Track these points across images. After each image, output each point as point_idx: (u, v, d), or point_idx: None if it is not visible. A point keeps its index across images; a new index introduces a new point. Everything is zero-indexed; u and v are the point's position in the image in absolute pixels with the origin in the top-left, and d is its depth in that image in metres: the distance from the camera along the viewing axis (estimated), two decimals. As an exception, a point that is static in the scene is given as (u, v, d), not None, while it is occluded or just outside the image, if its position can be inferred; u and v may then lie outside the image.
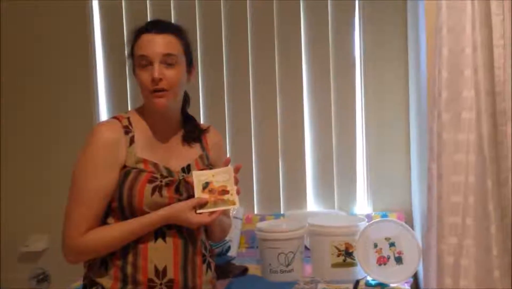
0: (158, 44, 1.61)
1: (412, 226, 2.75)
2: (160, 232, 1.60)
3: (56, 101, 3.23)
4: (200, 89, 3.08)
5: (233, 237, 2.85)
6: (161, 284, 1.59)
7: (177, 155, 1.70)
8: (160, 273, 1.59)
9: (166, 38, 1.63)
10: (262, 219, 2.94)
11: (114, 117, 1.69)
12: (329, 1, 2.96)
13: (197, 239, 1.66)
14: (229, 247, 2.78)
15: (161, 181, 1.61)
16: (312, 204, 3.04)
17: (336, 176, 3.00)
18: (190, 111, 1.83)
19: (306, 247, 2.56)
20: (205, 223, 1.61)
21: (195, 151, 1.75)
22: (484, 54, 1.96)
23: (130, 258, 1.59)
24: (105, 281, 1.60)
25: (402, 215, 2.85)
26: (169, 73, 1.61)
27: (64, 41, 3.19)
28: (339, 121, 2.99)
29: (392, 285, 2.34)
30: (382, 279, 2.35)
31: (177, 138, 1.74)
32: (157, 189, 1.59)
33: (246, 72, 3.06)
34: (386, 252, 2.39)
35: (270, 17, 3.02)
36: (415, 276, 2.52)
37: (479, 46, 1.96)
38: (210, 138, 1.81)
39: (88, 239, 1.57)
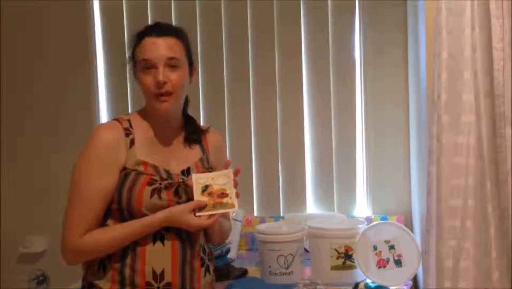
0: (162, 47, 1.62)
1: (411, 229, 2.75)
2: (158, 235, 1.61)
3: (56, 102, 3.23)
4: (200, 91, 3.08)
5: (233, 239, 2.85)
6: (158, 287, 1.59)
7: (178, 158, 1.71)
8: (158, 276, 1.59)
9: (169, 41, 1.63)
10: (262, 221, 2.94)
11: (115, 119, 1.69)
12: (329, 2, 2.97)
13: (195, 242, 1.66)
14: (228, 249, 2.78)
15: (160, 184, 1.61)
16: (311, 206, 3.04)
17: (336, 178, 3.00)
18: (190, 112, 1.84)
19: (305, 250, 2.56)
20: (204, 226, 1.61)
21: (195, 153, 1.75)
22: (483, 56, 1.96)
23: (128, 260, 1.59)
24: (103, 283, 1.60)
25: (402, 218, 2.85)
26: (173, 76, 1.61)
27: (65, 42, 3.20)
28: (339, 124, 2.99)
29: (391, 287, 2.34)
30: (381, 282, 2.35)
31: (178, 141, 1.74)
32: (156, 191, 1.59)
33: (246, 74, 3.06)
34: (386, 254, 2.39)
35: (270, 18, 3.02)
36: (415, 279, 2.52)
37: (478, 48, 1.96)
38: (210, 140, 1.82)
39: (87, 240, 1.57)
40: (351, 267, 2.42)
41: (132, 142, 1.63)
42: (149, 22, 3.05)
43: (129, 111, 2.99)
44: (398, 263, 2.37)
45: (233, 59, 3.08)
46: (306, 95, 3.03)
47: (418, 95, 2.54)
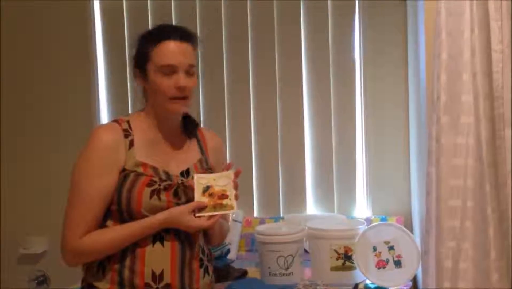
0: (183, 54, 1.63)
1: (411, 230, 2.75)
2: (158, 236, 1.61)
3: (57, 103, 3.24)
4: (200, 91, 3.09)
5: (233, 240, 2.86)
6: (157, 288, 1.59)
7: (177, 159, 1.71)
8: (157, 277, 1.59)
9: (188, 48, 1.65)
10: (262, 222, 2.94)
11: (114, 121, 1.69)
12: (329, 2, 2.97)
13: (194, 243, 1.67)
14: (228, 250, 2.79)
15: (159, 185, 1.61)
16: (311, 207, 3.05)
17: (336, 179, 3.01)
18: (190, 112, 1.84)
19: (305, 250, 2.56)
20: (204, 227, 1.62)
21: (194, 154, 1.76)
22: (482, 58, 1.97)
23: (127, 262, 1.59)
24: (102, 284, 1.60)
25: (402, 219, 2.85)
26: (190, 82, 1.65)
27: (65, 42, 3.20)
28: (339, 125, 3.00)
29: (391, 288, 2.34)
30: (381, 283, 2.36)
31: (177, 142, 1.74)
32: (156, 192, 1.60)
33: (246, 74, 3.06)
34: (385, 255, 2.39)
35: (270, 18, 3.02)
36: (414, 280, 2.52)
37: (477, 50, 1.97)
38: (209, 141, 1.82)
39: (87, 241, 1.58)
40: (351, 268, 2.42)
41: (131, 144, 1.64)
42: (149, 22, 3.10)
43: (129, 111, 3.00)
44: (398, 264, 2.38)
45: (233, 59, 3.08)
46: (306, 95, 3.03)
47: (417, 96, 2.54)
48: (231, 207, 1.61)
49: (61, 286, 2.90)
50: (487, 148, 1.97)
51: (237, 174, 1.65)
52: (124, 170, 1.61)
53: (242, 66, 3.07)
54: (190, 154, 1.75)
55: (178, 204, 1.62)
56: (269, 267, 2.46)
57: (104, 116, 3.22)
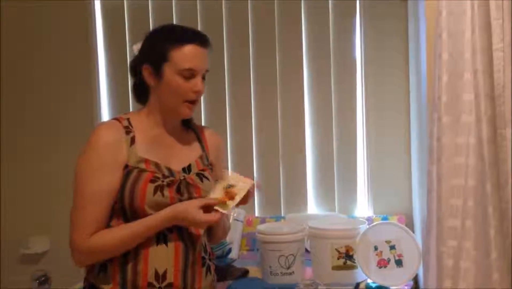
0: (204, 59, 1.65)
1: (412, 229, 2.75)
2: (161, 236, 1.61)
3: (58, 102, 3.24)
4: (201, 91, 3.09)
5: (234, 239, 2.86)
6: (160, 287, 1.59)
7: (178, 155, 1.71)
8: (160, 277, 1.59)
9: (206, 53, 1.67)
10: (263, 221, 2.94)
11: (114, 119, 1.69)
12: (330, 2, 2.97)
13: (197, 243, 1.67)
14: (229, 250, 2.79)
15: (162, 181, 1.61)
16: (312, 207, 3.05)
17: (337, 178, 3.01)
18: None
19: (306, 250, 2.56)
20: (213, 222, 1.60)
21: (195, 151, 1.76)
22: (483, 58, 1.96)
23: (130, 261, 1.59)
24: (104, 284, 1.60)
25: (403, 218, 2.85)
26: (203, 86, 1.67)
27: (66, 42, 3.20)
28: (340, 124, 3.00)
29: (392, 287, 2.35)
30: (382, 282, 2.36)
31: (177, 140, 1.74)
32: (159, 188, 1.60)
33: (247, 74, 3.07)
34: (387, 254, 2.40)
35: (271, 18, 3.03)
36: (415, 279, 2.52)
37: (478, 50, 1.96)
38: (210, 139, 1.83)
39: (97, 240, 1.56)
40: (352, 267, 2.43)
41: (132, 141, 1.64)
42: (150, 22, 3.10)
43: (130, 111, 3.00)
44: (399, 263, 2.38)
45: (234, 59, 3.09)
46: (307, 95, 3.03)
47: (418, 95, 2.54)
48: (227, 208, 1.60)
49: (63, 286, 2.90)
50: (488, 147, 1.96)
51: (256, 186, 1.65)
52: (126, 166, 1.61)
53: (243, 66, 3.07)
54: (191, 150, 1.75)
55: (180, 200, 1.62)
56: (270, 267, 2.47)
57: (105, 117, 3.22)
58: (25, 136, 3.28)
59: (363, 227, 2.47)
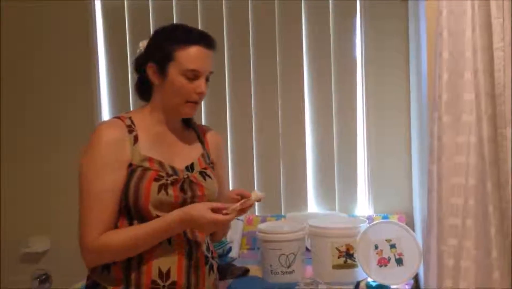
0: (208, 61, 1.66)
1: (413, 228, 2.76)
2: None
3: (58, 102, 3.24)
4: (201, 91, 3.09)
5: (235, 238, 2.86)
6: (164, 286, 1.59)
7: (181, 154, 1.71)
8: (164, 275, 1.59)
9: (211, 55, 1.68)
10: (263, 220, 2.95)
11: (116, 117, 1.69)
12: (330, 2, 2.98)
13: (200, 242, 1.67)
14: (230, 248, 2.80)
15: (166, 180, 1.61)
16: (313, 206, 3.05)
17: (337, 177, 3.01)
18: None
19: (307, 249, 2.57)
20: (229, 221, 1.60)
21: (197, 149, 1.77)
22: (484, 57, 1.97)
23: (134, 260, 1.59)
24: (108, 283, 1.60)
25: (403, 217, 2.86)
26: (206, 88, 1.68)
27: (66, 42, 3.21)
28: (340, 123, 3.00)
29: (392, 286, 2.35)
30: (382, 281, 2.36)
31: (179, 139, 1.75)
32: (163, 187, 1.60)
33: (248, 73, 3.07)
34: (387, 253, 2.40)
35: (271, 18, 3.03)
36: (416, 278, 2.53)
37: (479, 49, 1.97)
38: (210, 138, 1.83)
39: (108, 239, 1.55)
40: (353, 266, 2.43)
41: (135, 139, 1.63)
42: (150, 22, 3.10)
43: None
44: (399, 262, 2.39)
45: (234, 58, 3.09)
46: (307, 94, 3.04)
47: (419, 94, 2.55)
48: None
49: (63, 285, 2.90)
50: (488, 146, 1.97)
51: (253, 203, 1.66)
52: (130, 165, 1.60)
53: (244, 66, 3.07)
54: (192, 149, 1.76)
55: (184, 199, 1.62)
56: (270, 265, 2.47)
57: (105, 117, 3.22)
58: (25, 136, 3.28)
59: (364, 226, 2.48)
